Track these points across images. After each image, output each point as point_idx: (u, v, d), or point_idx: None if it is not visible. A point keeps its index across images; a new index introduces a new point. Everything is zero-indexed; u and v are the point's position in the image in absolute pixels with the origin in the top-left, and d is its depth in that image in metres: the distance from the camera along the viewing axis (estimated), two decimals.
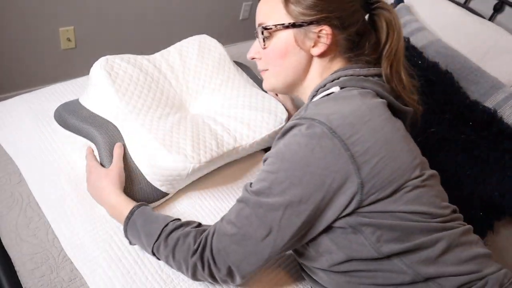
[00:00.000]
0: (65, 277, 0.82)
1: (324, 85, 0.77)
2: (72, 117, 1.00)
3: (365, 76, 0.76)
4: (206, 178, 1.04)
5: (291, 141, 0.66)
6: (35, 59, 1.95)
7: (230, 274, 0.72)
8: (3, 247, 0.86)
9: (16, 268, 0.83)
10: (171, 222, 0.78)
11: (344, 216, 0.67)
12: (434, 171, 0.76)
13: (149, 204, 0.93)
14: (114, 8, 2.02)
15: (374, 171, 0.64)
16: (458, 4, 1.78)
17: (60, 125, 1.02)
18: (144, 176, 0.93)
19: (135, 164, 0.94)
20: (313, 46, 0.77)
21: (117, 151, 0.92)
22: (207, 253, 0.71)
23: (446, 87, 1.26)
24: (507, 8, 1.83)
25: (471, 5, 1.93)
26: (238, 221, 0.69)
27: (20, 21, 1.79)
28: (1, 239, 0.88)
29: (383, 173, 0.64)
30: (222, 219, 0.73)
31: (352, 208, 0.65)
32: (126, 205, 0.83)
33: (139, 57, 1.08)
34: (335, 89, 0.74)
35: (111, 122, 0.98)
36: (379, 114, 0.69)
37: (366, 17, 0.81)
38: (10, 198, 0.93)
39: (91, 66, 1.02)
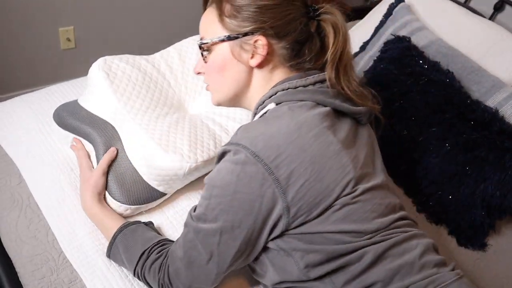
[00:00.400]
0: (65, 279, 0.82)
1: (263, 102, 0.77)
2: (70, 117, 1.00)
3: (304, 86, 0.75)
4: None
5: (221, 167, 0.68)
6: (35, 59, 1.95)
7: None
8: (3, 248, 0.86)
9: (17, 270, 0.82)
10: (147, 250, 0.79)
11: (274, 238, 0.69)
12: (376, 182, 0.73)
13: (147, 204, 0.93)
14: (114, 8, 2.02)
15: (299, 194, 0.64)
16: (458, 3, 1.78)
17: (59, 125, 1.02)
18: (141, 176, 0.93)
19: (132, 164, 0.94)
20: (251, 58, 0.76)
21: (106, 157, 0.93)
22: (166, 277, 0.74)
23: (447, 87, 1.26)
24: (507, 7, 1.82)
25: (472, 4, 1.93)
26: (184, 245, 0.72)
27: (20, 21, 1.79)
28: (1, 240, 0.88)
29: (309, 195, 0.65)
30: (176, 241, 0.76)
31: (280, 230, 0.67)
32: (105, 223, 0.87)
33: (137, 57, 1.08)
34: (271, 106, 0.75)
35: (109, 123, 0.98)
36: (308, 130, 0.67)
37: (314, 24, 0.79)
38: (10, 199, 0.93)
39: (91, 66, 1.02)
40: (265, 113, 0.75)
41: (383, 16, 1.64)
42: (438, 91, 1.25)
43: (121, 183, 0.91)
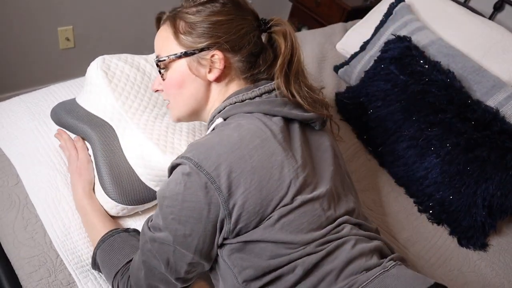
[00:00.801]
0: (63, 281, 0.81)
1: (213, 117, 0.79)
2: (68, 116, 0.99)
3: (251, 98, 0.77)
4: None
5: (170, 180, 0.70)
6: (34, 59, 1.94)
7: None
8: (3, 250, 0.86)
9: (16, 272, 0.82)
10: (122, 267, 0.79)
11: (219, 247, 0.72)
12: (320, 192, 0.73)
13: (143, 205, 0.93)
14: (113, 7, 2.01)
15: (239, 202, 0.66)
16: (458, 3, 1.78)
17: (57, 124, 1.01)
18: (138, 177, 0.92)
19: (129, 164, 0.93)
20: (209, 72, 0.78)
21: (78, 145, 0.96)
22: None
23: (448, 87, 1.25)
24: (507, 7, 1.82)
25: (471, 4, 1.93)
26: (143, 255, 0.73)
27: (19, 20, 1.78)
28: (0, 242, 0.87)
29: (249, 203, 0.67)
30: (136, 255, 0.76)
31: (223, 236, 0.70)
32: (91, 220, 0.87)
33: (136, 56, 1.07)
34: (218, 120, 0.77)
35: (107, 122, 0.97)
36: (249, 142, 0.69)
37: (265, 36, 0.83)
38: (7, 200, 0.92)
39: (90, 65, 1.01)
40: (213, 128, 0.78)
41: (383, 15, 1.64)
42: (439, 91, 1.25)
43: (118, 182, 0.90)
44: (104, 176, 0.90)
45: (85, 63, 2.05)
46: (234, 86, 0.81)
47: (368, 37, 1.65)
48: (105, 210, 0.91)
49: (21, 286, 0.81)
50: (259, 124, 0.72)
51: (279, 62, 0.78)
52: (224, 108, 0.77)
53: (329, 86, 1.57)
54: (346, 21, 2.12)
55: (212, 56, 0.77)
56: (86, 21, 1.96)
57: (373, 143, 1.35)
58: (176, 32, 0.78)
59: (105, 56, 1.02)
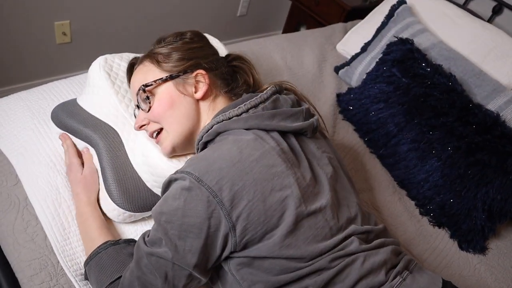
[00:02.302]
0: (65, 285, 0.79)
1: (201, 137, 0.80)
2: (70, 119, 0.96)
3: (238, 115, 0.77)
4: None
5: (167, 196, 0.70)
6: (30, 53, 1.90)
7: None
8: (2, 252, 0.84)
9: (16, 275, 0.80)
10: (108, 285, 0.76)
11: (226, 259, 0.72)
12: (321, 203, 0.73)
13: (150, 211, 0.90)
14: (110, 2, 1.98)
15: (244, 214, 0.67)
16: (458, 5, 1.78)
17: (58, 127, 0.97)
18: (144, 183, 0.90)
19: (135, 170, 0.91)
20: (195, 92, 0.83)
21: (86, 156, 0.94)
22: None
23: (450, 90, 1.26)
24: (505, 10, 1.83)
25: (470, 6, 1.93)
26: (138, 270, 0.72)
27: (15, 14, 1.74)
28: (0, 244, 0.85)
29: (253, 214, 0.67)
30: (126, 270, 0.74)
31: (230, 250, 0.69)
32: (91, 235, 0.84)
33: (138, 55, 1.05)
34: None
35: (111, 127, 0.94)
36: (249, 155, 0.70)
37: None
38: (6, 200, 0.90)
39: (87, 61, 0.98)
40: (204, 147, 0.80)
41: (385, 17, 1.63)
42: (441, 94, 1.25)
43: (124, 189, 0.88)
44: (110, 183, 0.88)
45: (82, 58, 2.03)
46: (221, 101, 0.85)
47: (369, 38, 1.65)
48: (110, 217, 0.90)
49: None
50: (257, 138, 0.73)
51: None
52: (212, 127, 0.78)
53: (330, 86, 1.57)
54: (345, 20, 2.12)
55: (196, 74, 0.82)
56: (83, 15, 1.93)
57: (375, 145, 1.35)
58: (158, 62, 0.84)
59: (107, 55, 1.00)
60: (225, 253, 0.70)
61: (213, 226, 0.67)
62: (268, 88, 0.83)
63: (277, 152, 0.72)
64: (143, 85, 0.82)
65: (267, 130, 0.76)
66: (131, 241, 0.83)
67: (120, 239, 0.83)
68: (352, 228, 0.75)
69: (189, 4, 2.30)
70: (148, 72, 0.84)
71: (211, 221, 0.67)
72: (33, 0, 1.74)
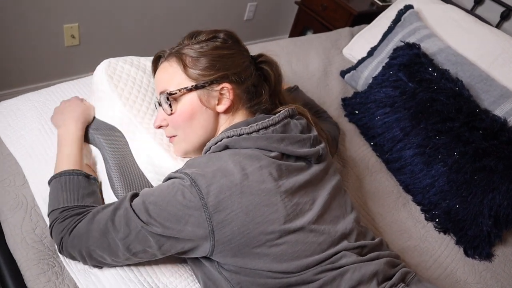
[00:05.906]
0: (70, 284, 0.80)
1: (209, 148, 0.81)
2: None
3: (248, 133, 0.78)
4: None
5: (163, 185, 0.74)
6: (39, 56, 1.93)
7: (81, 255, 0.77)
8: (9, 251, 0.85)
9: (22, 273, 0.81)
10: (65, 208, 0.79)
11: (210, 260, 0.76)
12: (311, 218, 0.75)
13: None
14: (119, 5, 2.00)
15: (225, 222, 0.69)
16: (466, 11, 1.77)
17: None
18: (150, 183, 0.91)
19: (140, 170, 0.92)
20: (218, 104, 0.82)
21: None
22: (68, 233, 0.76)
23: (457, 95, 1.25)
24: None
25: (478, 12, 1.93)
26: (111, 216, 0.74)
27: (24, 17, 1.77)
28: (7, 242, 0.86)
29: (234, 224, 0.69)
30: (103, 208, 0.77)
31: (205, 253, 0.73)
32: (67, 157, 0.88)
33: (142, 58, 1.06)
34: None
35: (116, 129, 0.96)
36: (242, 169, 0.71)
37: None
38: (14, 200, 0.91)
39: (95, 63, 0.99)
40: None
41: (392, 22, 1.63)
42: (447, 99, 1.24)
43: (129, 188, 0.88)
44: (116, 182, 0.89)
45: (90, 61, 2.05)
46: (240, 115, 0.85)
47: (376, 42, 1.65)
48: None
49: (26, 287, 0.80)
50: (254, 154, 0.75)
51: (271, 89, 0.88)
52: (221, 140, 0.79)
53: (335, 90, 1.57)
54: (352, 25, 2.12)
55: (222, 88, 0.81)
56: (92, 18, 1.96)
57: (380, 149, 1.35)
58: (185, 66, 0.82)
59: (111, 59, 1.01)
60: (198, 254, 0.74)
61: (190, 223, 0.69)
62: (281, 112, 0.83)
63: (269, 171, 0.73)
64: (167, 92, 0.82)
65: (271, 151, 0.77)
66: (97, 182, 0.89)
67: (91, 175, 0.87)
68: (344, 244, 0.77)
69: (196, 8, 2.32)
70: (173, 75, 0.83)
71: (190, 218, 0.69)
72: (42, 3, 1.77)
